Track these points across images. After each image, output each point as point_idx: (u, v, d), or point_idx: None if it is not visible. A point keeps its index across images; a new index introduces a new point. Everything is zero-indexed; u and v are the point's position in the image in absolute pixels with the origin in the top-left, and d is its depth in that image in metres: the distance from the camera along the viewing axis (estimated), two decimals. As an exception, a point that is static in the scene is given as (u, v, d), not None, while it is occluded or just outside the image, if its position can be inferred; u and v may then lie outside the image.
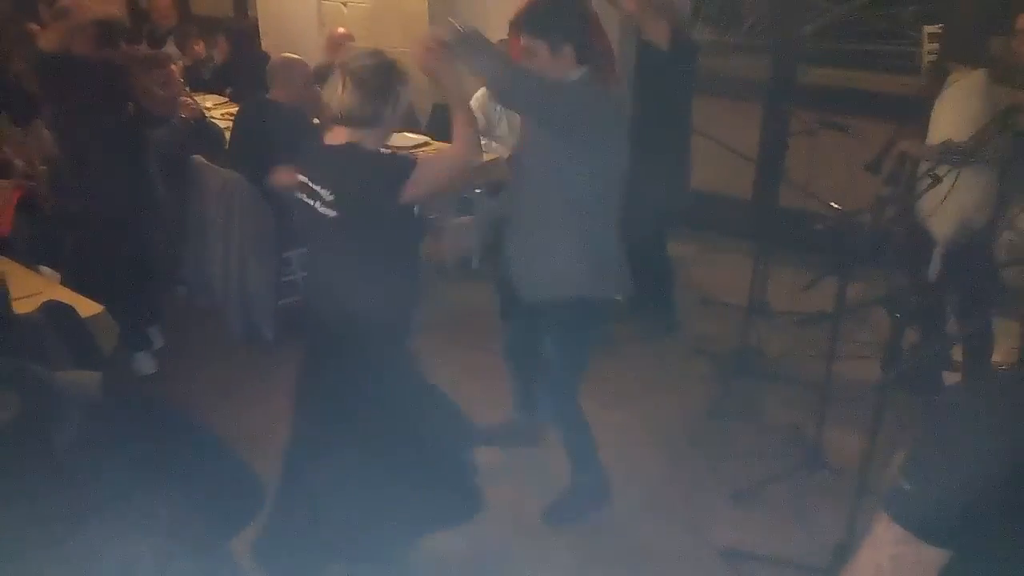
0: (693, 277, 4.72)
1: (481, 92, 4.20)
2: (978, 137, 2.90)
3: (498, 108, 4.20)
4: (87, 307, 2.81)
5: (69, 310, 2.63)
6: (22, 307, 2.53)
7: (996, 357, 3.37)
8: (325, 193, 2.23)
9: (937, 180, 2.66)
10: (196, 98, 5.02)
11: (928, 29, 4.60)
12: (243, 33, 6.00)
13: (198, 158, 4.05)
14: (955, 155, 2.92)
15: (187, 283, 4.36)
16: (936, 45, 4.23)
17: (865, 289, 3.52)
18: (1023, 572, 1.02)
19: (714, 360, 4.02)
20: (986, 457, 1.00)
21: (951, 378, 3.50)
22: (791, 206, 4.16)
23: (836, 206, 2.93)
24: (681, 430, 3.53)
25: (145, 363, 3.79)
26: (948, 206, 2.91)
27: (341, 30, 5.06)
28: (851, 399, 3.22)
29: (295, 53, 4.17)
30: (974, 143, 2.91)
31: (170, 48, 5.85)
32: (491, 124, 4.17)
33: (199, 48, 5.94)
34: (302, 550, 2.46)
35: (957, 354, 3.50)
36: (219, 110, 5.19)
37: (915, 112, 3.32)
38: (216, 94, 5.58)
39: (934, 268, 3.15)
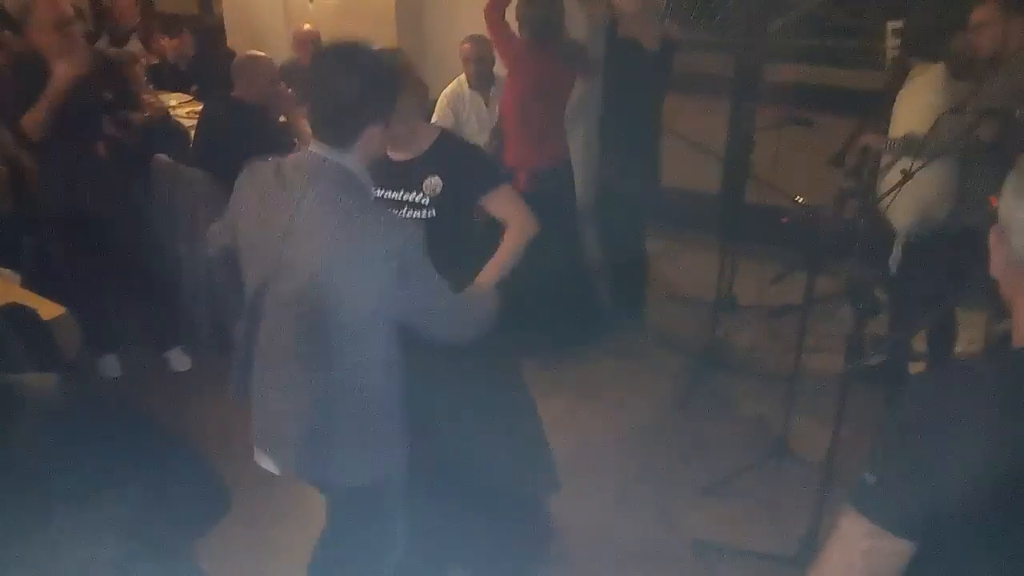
0: (661, 272, 4.75)
1: (450, 88, 4.18)
2: (937, 131, 2.94)
3: (467, 104, 4.18)
4: (49, 309, 2.77)
5: (30, 313, 2.58)
6: (-20, 310, 2.48)
7: (959, 348, 3.43)
8: (414, 196, 2.24)
9: (908, 176, 2.70)
10: (160, 96, 4.97)
11: (891, 25, 4.66)
12: (208, 30, 5.92)
13: (161, 157, 3.99)
14: (916, 148, 2.96)
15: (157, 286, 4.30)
16: (899, 41, 4.29)
17: (831, 282, 3.56)
18: (991, 560, 1.03)
19: (682, 354, 4.04)
20: (949, 447, 1.01)
21: (915, 369, 3.55)
22: (758, 201, 4.20)
23: (800, 200, 2.96)
24: (650, 423, 3.55)
25: (109, 366, 3.74)
26: (909, 198, 2.95)
27: (307, 27, 5.01)
28: (818, 391, 3.26)
29: (261, 50, 4.12)
30: (934, 137, 2.95)
31: (134, 46, 5.76)
32: (459, 122, 4.15)
33: (169, 46, 5.86)
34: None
35: (921, 345, 3.55)
36: (184, 108, 5.13)
37: (878, 107, 3.36)
38: (181, 92, 5.51)
39: (895, 260, 3.20)
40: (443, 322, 1.89)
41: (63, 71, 3.20)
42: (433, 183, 2.22)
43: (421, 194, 2.23)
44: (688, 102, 4.73)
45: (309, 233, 1.72)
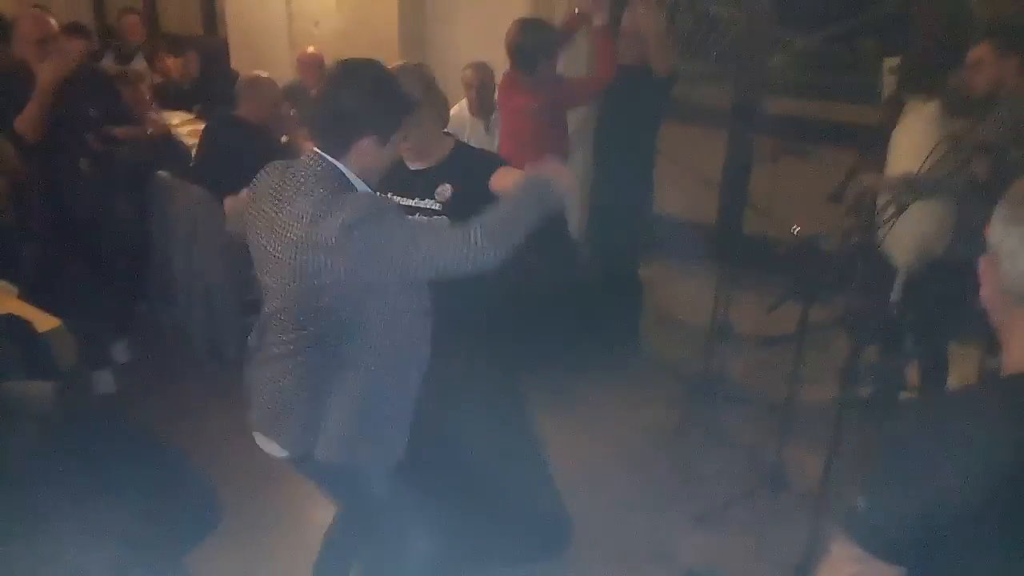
0: (656, 299, 4.76)
1: (452, 112, 4.21)
2: (933, 167, 2.98)
3: (467, 129, 4.21)
4: (45, 322, 2.77)
5: (24, 323, 2.58)
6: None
7: (951, 381, 3.43)
8: (427, 203, 2.31)
9: (901, 209, 2.73)
10: (164, 115, 5.00)
11: (888, 62, 4.74)
12: (213, 51, 5.98)
13: (163, 173, 4.02)
14: (914, 188, 2.99)
15: (151, 299, 4.31)
16: (895, 77, 4.36)
17: (827, 312, 3.58)
18: None
19: (677, 381, 4.04)
20: (939, 475, 1.02)
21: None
22: (754, 230, 4.23)
23: (797, 230, 2.99)
24: (643, 450, 3.54)
25: (104, 382, 3.73)
26: (907, 234, 2.98)
27: (311, 50, 5.07)
28: (812, 421, 3.26)
29: (265, 71, 4.16)
30: (931, 176, 2.98)
31: (139, 65, 5.81)
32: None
33: (174, 65, 5.91)
34: None
35: (914, 379, 3.56)
36: (186, 127, 5.16)
37: (874, 142, 3.40)
38: (184, 111, 5.56)
39: (896, 294, 3.21)
40: (455, 265, 1.81)
41: (47, 71, 3.32)
42: (444, 190, 2.30)
43: (433, 201, 2.31)
44: (685, 131, 4.78)
45: (290, 221, 1.80)
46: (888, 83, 4.65)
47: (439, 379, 2.11)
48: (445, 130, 2.45)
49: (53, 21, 3.47)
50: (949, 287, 3.04)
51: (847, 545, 1.07)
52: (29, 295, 3.15)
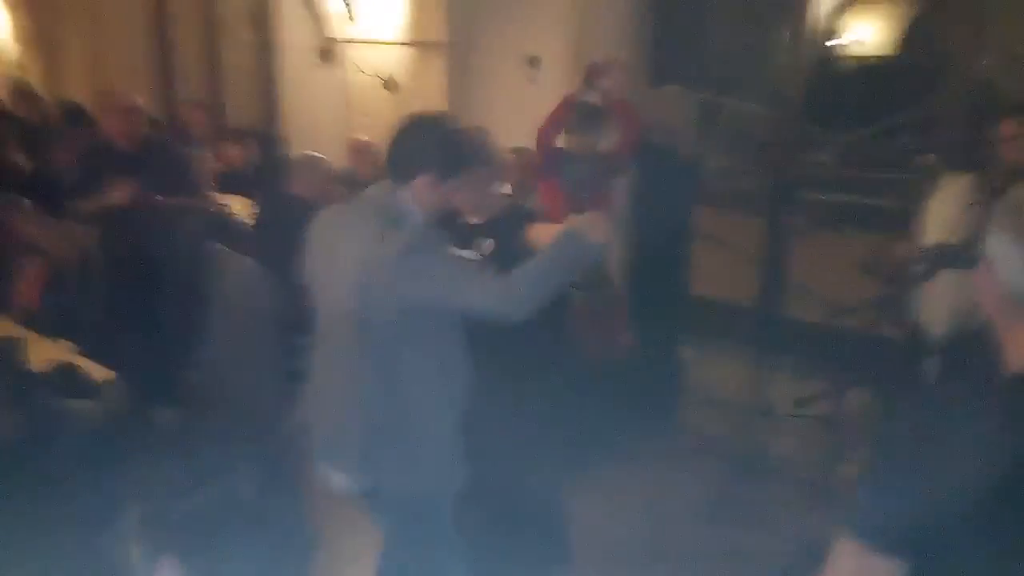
0: (697, 379, 4.74)
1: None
2: (967, 240, 3.00)
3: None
4: (100, 373, 2.90)
5: (75, 370, 2.72)
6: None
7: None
8: (470, 254, 2.51)
9: (930, 273, 2.76)
10: (224, 199, 5.28)
11: (925, 160, 4.83)
12: (272, 141, 6.32)
13: (218, 245, 4.22)
14: (947, 257, 3.02)
15: (199, 366, 4.43)
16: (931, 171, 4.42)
17: (865, 389, 3.54)
18: None
19: (716, 460, 3.99)
20: (938, 472, 1.04)
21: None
22: (793, 312, 4.23)
23: (833, 309, 3.01)
24: (680, 528, 3.48)
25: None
26: (943, 304, 2.99)
27: (363, 138, 5.33)
28: (850, 500, 3.18)
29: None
30: (963, 246, 3.01)
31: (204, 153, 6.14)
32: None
33: (239, 153, 6.24)
34: None
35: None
36: (244, 211, 5.40)
37: (909, 216, 3.44)
38: (243, 196, 5.82)
39: (931, 366, 3.19)
40: (489, 307, 1.97)
41: (114, 199, 3.72)
42: (486, 245, 2.48)
43: (475, 253, 2.49)
44: (728, 217, 4.87)
45: (354, 239, 1.99)
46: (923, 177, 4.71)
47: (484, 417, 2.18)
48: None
49: (140, 99, 3.80)
50: (984, 357, 3.01)
51: (849, 540, 1.07)
52: (87, 352, 3.31)
